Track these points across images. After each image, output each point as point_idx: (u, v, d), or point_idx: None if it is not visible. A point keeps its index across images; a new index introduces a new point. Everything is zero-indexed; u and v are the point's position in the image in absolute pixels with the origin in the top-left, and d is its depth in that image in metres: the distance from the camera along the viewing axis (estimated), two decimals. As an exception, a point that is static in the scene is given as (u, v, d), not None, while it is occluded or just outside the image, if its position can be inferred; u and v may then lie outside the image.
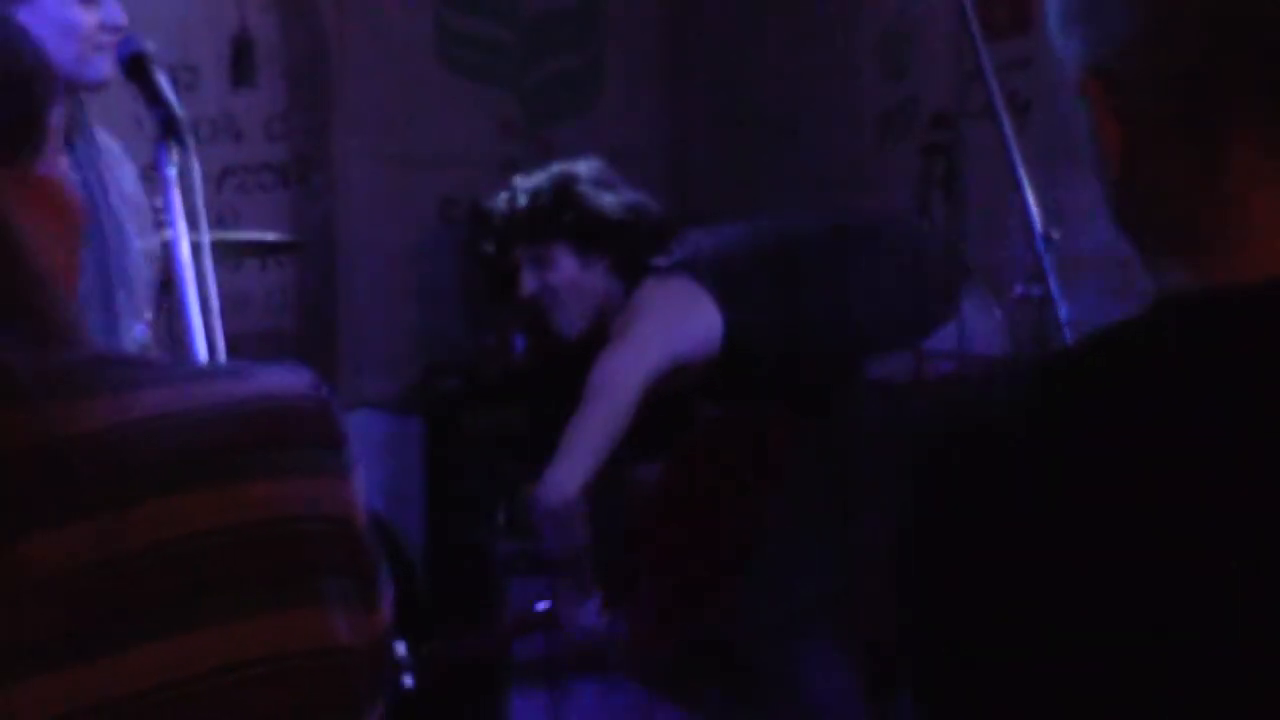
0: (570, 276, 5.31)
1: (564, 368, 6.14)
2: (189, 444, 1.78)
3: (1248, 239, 1.76)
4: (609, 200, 5.28)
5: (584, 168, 5.37)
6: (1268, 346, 1.73)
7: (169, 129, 3.80)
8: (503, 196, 5.42)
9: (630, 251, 5.29)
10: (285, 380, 1.91)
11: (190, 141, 3.88)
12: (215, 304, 3.87)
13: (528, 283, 5.35)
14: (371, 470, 1.80)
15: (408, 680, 4.77)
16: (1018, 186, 4.22)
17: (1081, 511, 1.72)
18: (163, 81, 3.87)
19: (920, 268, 5.21)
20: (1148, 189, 1.83)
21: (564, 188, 5.29)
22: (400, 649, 4.68)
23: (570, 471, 4.95)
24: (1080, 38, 1.85)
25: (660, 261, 5.26)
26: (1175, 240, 1.82)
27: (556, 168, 5.39)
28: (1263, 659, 1.64)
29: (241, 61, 6.63)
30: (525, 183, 5.41)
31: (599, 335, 5.64)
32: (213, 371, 2.11)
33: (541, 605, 5.37)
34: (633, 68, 8.04)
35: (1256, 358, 1.72)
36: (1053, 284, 4.39)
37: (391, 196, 7.22)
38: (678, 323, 5.16)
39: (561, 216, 5.25)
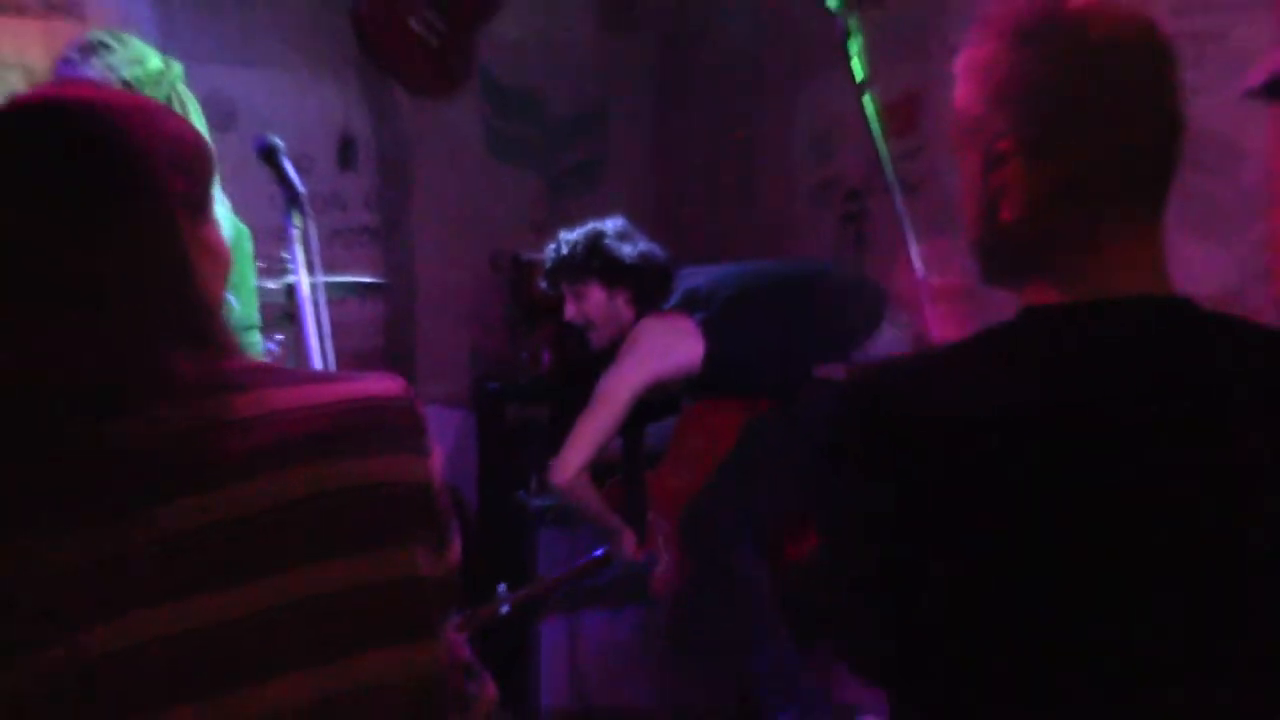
0: (599, 305, 5.69)
1: (577, 378, 6.57)
2: (310, 430, 1.99)
3: (1102, 273, 2.05)
4: (628, 249, 5.66)
5: (610, 224, 5.76)
6: (1110, 335, 2.03)
7: (293, 201, 4.02)
8: (551, 245, 5.80)
9: (644, 287, 5.66)
10: (382, 384, 2.11)
11: (308, 210, 4.11)
12: (327, 328, 4.08)
13: (568, 309, 5.73)
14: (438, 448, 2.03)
15: (504, 609, 5.19)
16: (905, 242, 4.33)
17: (959, 440, 2.01)
18: (288, 167, 4.04)
19: (860, 298, 5.43)
20: (1039, 232, 2.08)
21: (595, 239, 5.70)
22: (501, 588, 5.14)
23: (572, 457, 5.42)
24: (1009, 115, 2.08)
25: (667, 302, 5.63)
26: (1049, 270, 2.08)
27: (590, 224, 5.79)
28: (1069, 536, 1.94)
29: (345, 152, 6.89)
30: (567, 235, 5.81)
31: (607, 353, 5.88)
32: (327, 376, 2.15)
33: (599, 551, 5.68)
34: (630, 156, 7.90)
35: (1104, 344, 2.03)
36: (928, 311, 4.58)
37: (453, 250, 7.43)
38: (666, 352, 5.48)
39: (592, 261, 5.65)
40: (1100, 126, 2.04)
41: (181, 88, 4.54)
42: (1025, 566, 1.99)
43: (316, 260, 4.10)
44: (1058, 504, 1.97)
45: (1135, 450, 1.98)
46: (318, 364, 4.08)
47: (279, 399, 1.99)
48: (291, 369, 2.36)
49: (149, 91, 4.38)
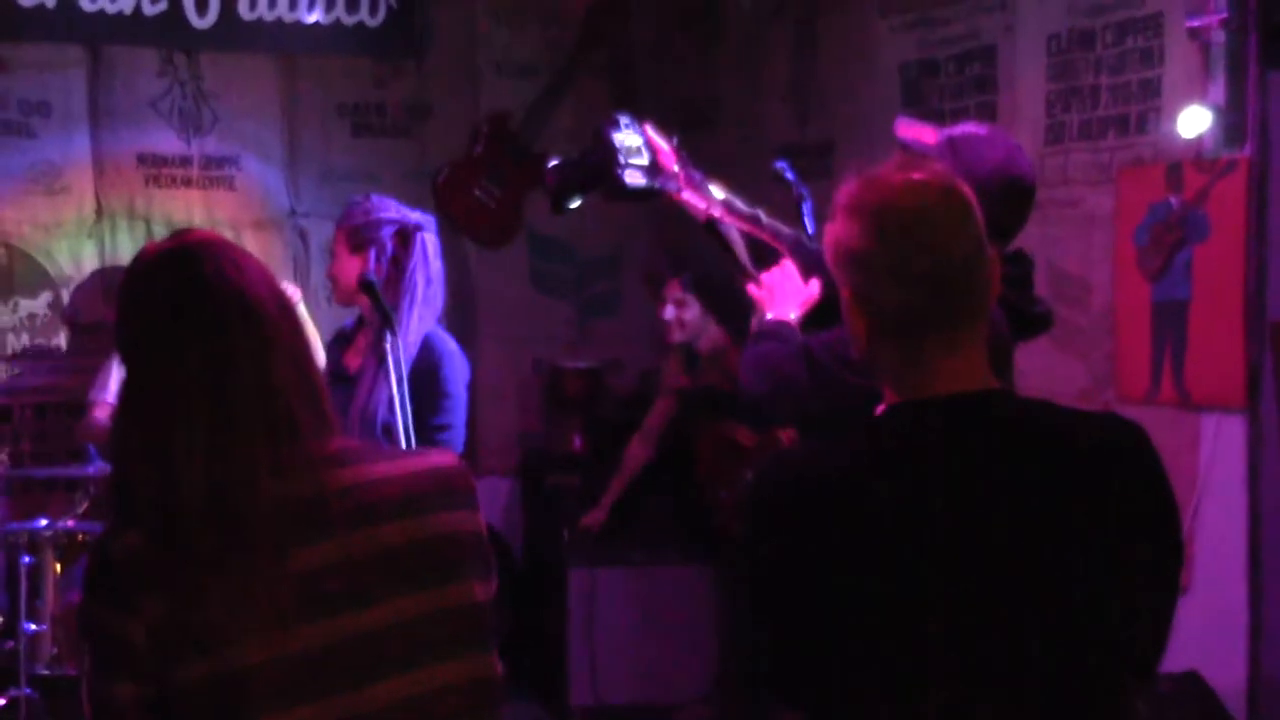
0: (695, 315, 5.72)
1: (601, 455, 6.84)
2: (395, 494, 2.03)
3: (932, 381, 2.06)
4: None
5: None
6: (938, 424, 2.03)
7: (387, 323, 4.03)
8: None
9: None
10: (444, 458, 2.15)
11: (399, 333, 4.13)
12: (409, 420, 4.03)
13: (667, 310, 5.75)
14: (489, 508, 2.06)
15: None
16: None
17: (845, 511, 2.02)
18: (383, 298, 4.07)
19: None
20: (880, 357, 2.11)
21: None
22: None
23: None
24: (844, 275, 2.10)
25: None
26: (894, 382, 2.10)
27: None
28: (934, 590, 1.95)
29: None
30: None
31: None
32: (405, 453, 2.33)
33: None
34: (640, 289, 7.35)
35: (935, 429, 2.04)
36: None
37: (506, 358, 7.29)
38: None
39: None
40: (900, 279, 2.04)
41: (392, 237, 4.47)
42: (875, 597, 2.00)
43: (404, 373, 4.03)
44: (886, 548, 1.99)
45: (940, 504, 2.00)
46: (406, 444, 4.01)
47: (374, 471, 2.03)
48: (378, 447, 2.65)
49: (361, 235, 4.38)
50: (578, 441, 7.09)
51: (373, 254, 4.38)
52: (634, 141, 3.62)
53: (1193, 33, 4.63)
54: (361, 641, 1.95)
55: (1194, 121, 4.63)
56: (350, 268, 4.38)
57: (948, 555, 1.98)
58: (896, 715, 2.03)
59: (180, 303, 2.01)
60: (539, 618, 6.69)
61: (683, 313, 5.73)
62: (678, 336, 5.81)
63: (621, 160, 3.58)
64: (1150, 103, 4.89)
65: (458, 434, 4.38)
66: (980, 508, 2.01)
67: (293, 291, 4.61)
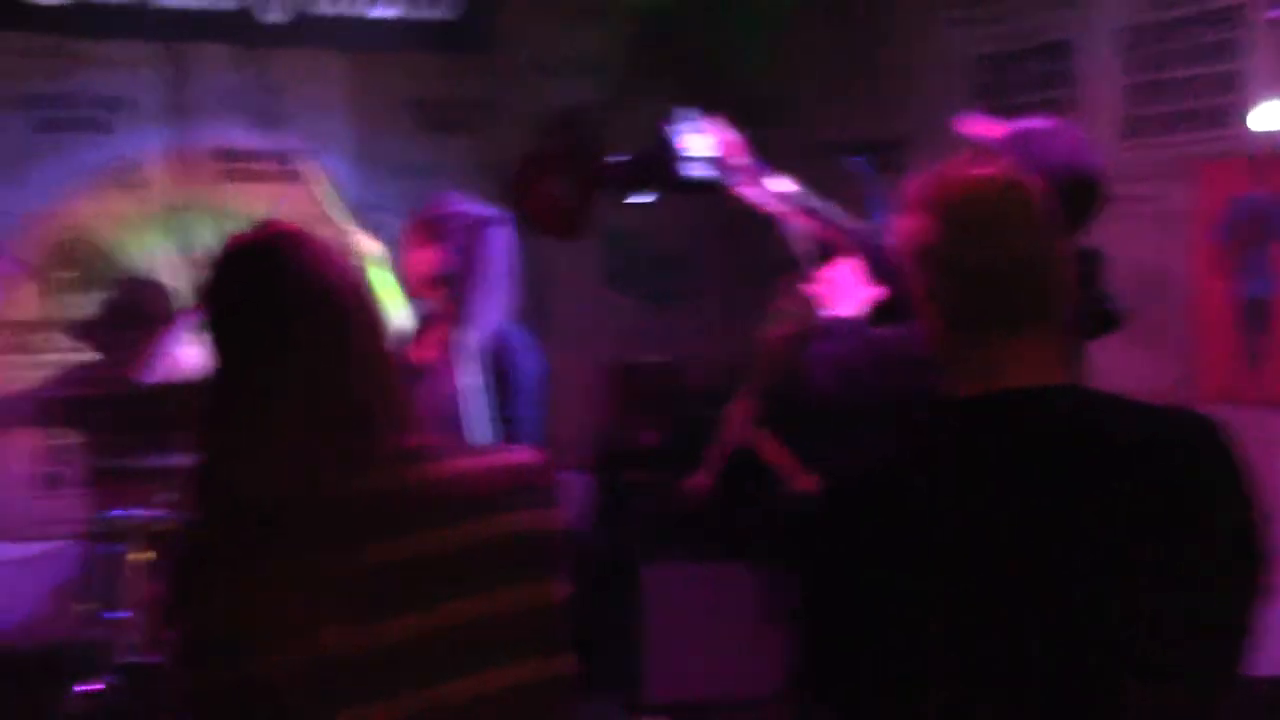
0: None
1: (677, 448, 6.70)
2: (473, 491, 2.02)
3: (997, 374, 2.03)
4: None
5: None
6: (1007, 417, 2.01)
7: (460, 316, 4.13)
8: None
9: None
10: (526, 454, 2.12)
11: (472, 326, 4.20)
12: (483, 413, 4.14)
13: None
14: (567, 503, 2.11)
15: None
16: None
17: (885, 507, 2.01)
18: (457, 289, 4.17)
19: None
20: (947, 352, 2.09)
21: None
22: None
23: None
24: (914, 269, 2.10)
25: None
26: (960, 377, 2.08)
27: None
28: (989, 592, 1.91)
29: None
30: None
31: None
32: (486, 449, 2.34)
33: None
34: (707, 286, 7.70)
35: (1006, 423, 2.01)
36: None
37: (580, 354, 7.09)
38: None
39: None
40: (965, 274, 2.04)
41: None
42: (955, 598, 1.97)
43: (480, 357, 4.10)
44: (919, 543, 1.98)
45: (973, 499, 1.98)
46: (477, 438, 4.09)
47: (453, 467, 2.01)
48: (457, 443, 2.62)
49: (435, 229, 4.36)
50: (652, 437, 7.11)
51: (445, 248, 4.38)
52: (694, 136, 3.70)
53: (1274, 24, 4.58)
54: (437, 638, 1.94)
55: (1276, 114, 4.58)
56: (422, 261, 4.38)
57: (966, 551, 1.96)
58: (911, 714, 2.00)
59: (263, 295, 2.02)
60: (613, 614, 6.47)
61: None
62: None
63: (680, 154, 3.68)
64: (1231, 96, 4.86)
65: (529, 427, 4.38)
66: (1004, 504, 1.97)
67: (374, 248, 4.63)
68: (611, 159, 4.24)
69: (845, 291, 3.62)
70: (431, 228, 4.39)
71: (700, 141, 3.72)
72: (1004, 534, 1.97)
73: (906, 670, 1.99)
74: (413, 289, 4.46)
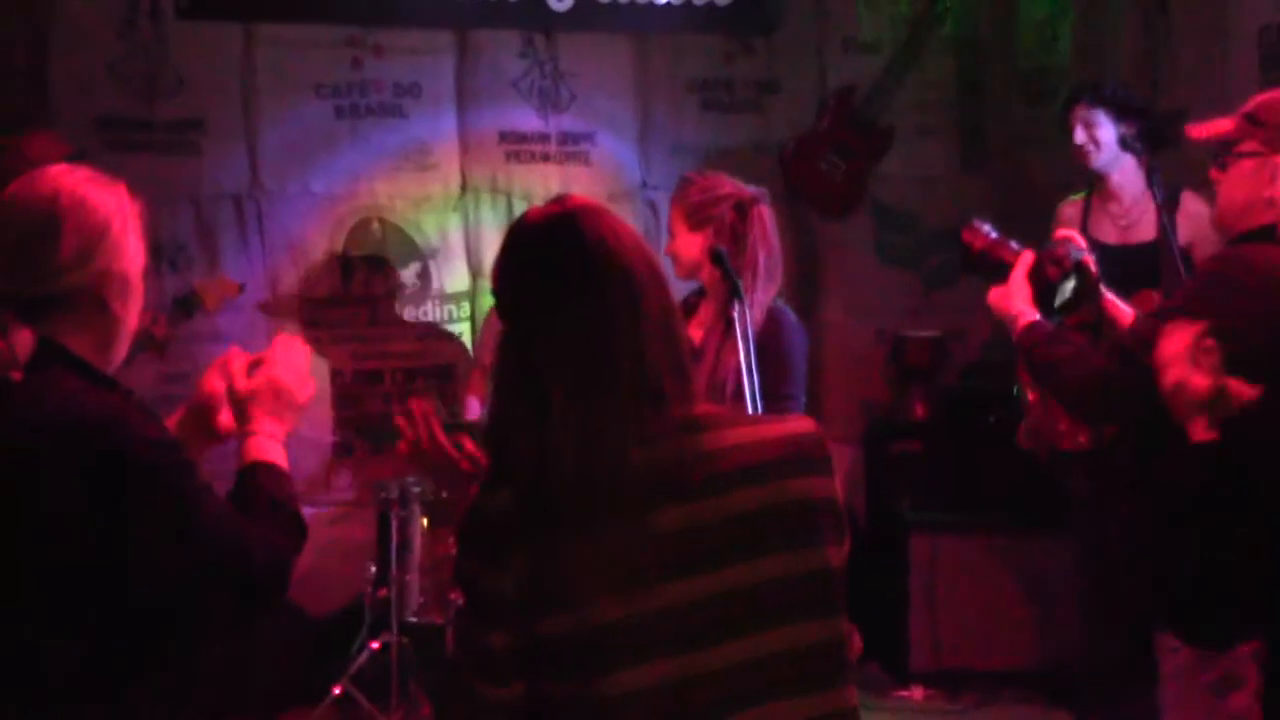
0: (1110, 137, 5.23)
1: (945, 421, 6.91)
2: (753, 459, 2.02)
3: None
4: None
5: None
6: None
7: (735, 293, 3.90)
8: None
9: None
10: (802, 424, 2.12)
11: (743, 299, 3.96)
12: (758, 386, 3.90)
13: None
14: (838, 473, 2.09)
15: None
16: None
17: None
18: (730, 268, 3.95)
19: None
20: None
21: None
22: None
23: None
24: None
25: None
26: None
27: None
28: None
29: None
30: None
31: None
32: (764, 419, 2.29)
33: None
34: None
35: None
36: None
37: (850, 328, 7.20)
38: None
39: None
40: None
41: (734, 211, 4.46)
42: None
43: (751, 336, 3.90)
44: None
45: None
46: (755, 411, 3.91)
47: (734, 436, 2.02)
48: (738, 413, 2.55)
49: (701, 212, 4.36)
50: (921, 409, 7.03)
51: (712, 230, 4.35)
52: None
53: None
54: (716, 601, 1.95)
55: None
56: (690, 244, 4.37)
57: None
58: None
59: (561, 268, 2.03)
60: (880, 582, 6.60)
61: (1094, 133, 5.29)
62: (1094, 162, 5.32)
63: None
64: None
65: (799, 405, 4.34)
66: None
67: None
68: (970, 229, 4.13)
69: (1013, 300, 3.69)
70: (697, 212, 4.38)
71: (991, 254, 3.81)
72: None
73: None
74: (682, 270, 4.45)
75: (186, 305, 5.87)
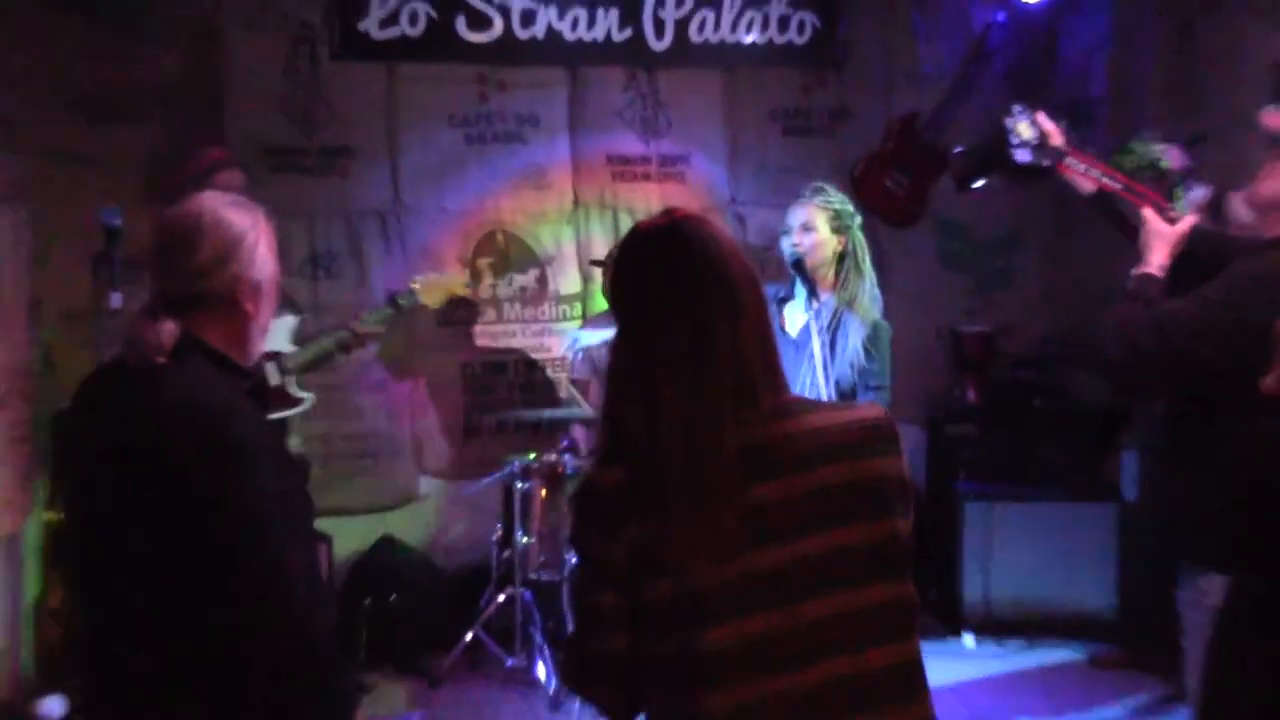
0: None
1: (996, 406, 7.08)
2: (832, 441, 2.03)
3: None
4: None
5: None
6: None
7: (849, 293, 4.30)
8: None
9: None
10: (873, 410, 2.12)
11: (849, 302, 4.40)
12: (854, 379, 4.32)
13: None
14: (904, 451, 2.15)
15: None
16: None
17: None
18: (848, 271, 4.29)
19: None
20: None
21: None
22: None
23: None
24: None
25: None
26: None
27: None
28: None
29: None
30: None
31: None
32: (838, 406, 2.14)
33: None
34: (1032, 266, 7.68)
35: None
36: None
37: (915, 323, 7.18)
38: None
39: None
40: None
41: (856, 230, 4.74)
42: None
43: (851, 337, 4.29)
44: None
45: None
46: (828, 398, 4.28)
47: (814, 421, 2.05)
48: (814, 401, 2.63)
49: (841, 220, 4.62)
50: (974, 396, 7.24)
51: (843, 234, 4.62)
52: (1025, 125, 3.80)
53: None
54: (799, 565, 1.96)
55: None
56: (828, 245, 4.62)
57: None
58: None
59: (670, 273, 2.05)
60: (938, 545, 6.87)
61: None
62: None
63: (1013, 140, 3.77)
64: None
65: (887, 395, 4.56)
66: None
67: None
68: (955, 150, 4.32)
69: (1153, 247, 3.67)
70: (839, 220, 4.65)
71: (1028, 128, 3.79)
72: None
73: None
74: (815, 262, 4.62)
75: (399, 302, 6.01)
